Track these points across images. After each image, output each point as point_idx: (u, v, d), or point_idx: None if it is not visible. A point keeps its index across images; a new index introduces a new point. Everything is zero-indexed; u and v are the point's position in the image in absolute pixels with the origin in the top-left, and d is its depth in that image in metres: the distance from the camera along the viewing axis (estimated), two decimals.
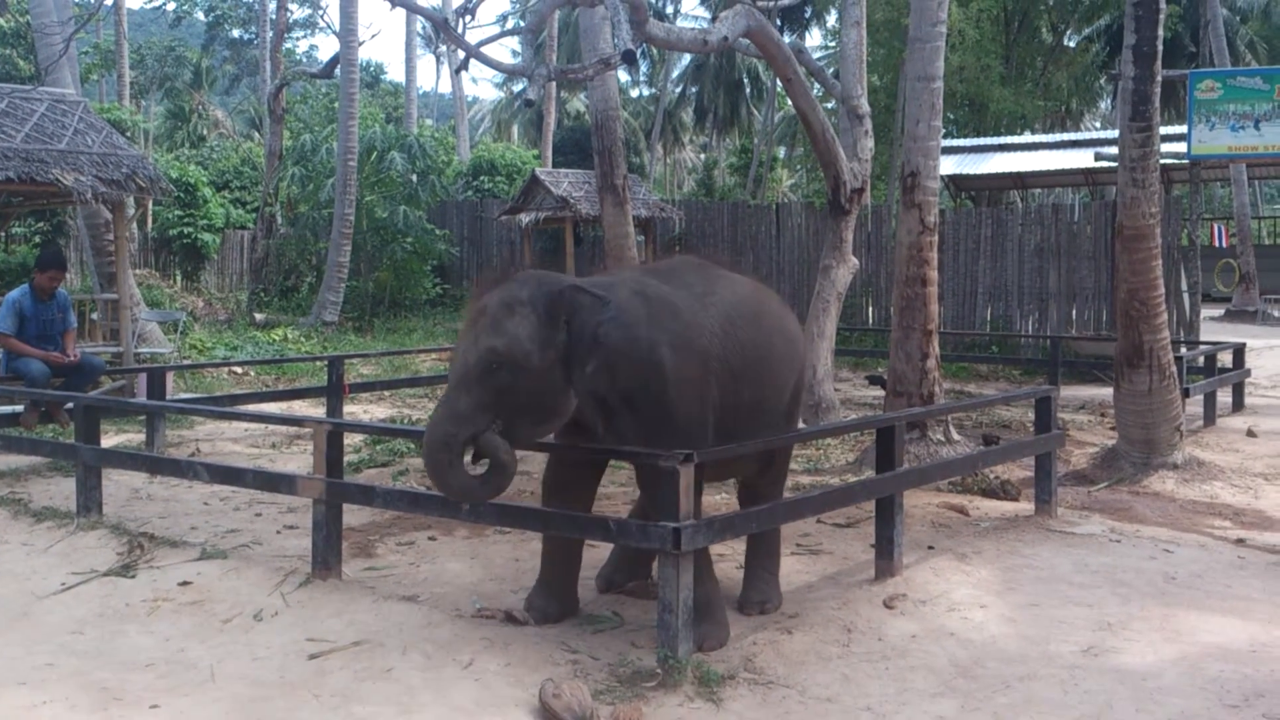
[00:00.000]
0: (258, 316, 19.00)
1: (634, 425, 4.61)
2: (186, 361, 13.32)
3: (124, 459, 7.47)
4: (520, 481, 8.05)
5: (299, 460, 8.61)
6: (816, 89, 11.60)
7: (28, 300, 9.20)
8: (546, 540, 5.09)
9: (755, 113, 45.55)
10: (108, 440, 8.59)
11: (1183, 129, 16.08)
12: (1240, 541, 6.68)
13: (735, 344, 4.85)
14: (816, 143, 9.85)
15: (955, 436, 8.85)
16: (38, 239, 19.31)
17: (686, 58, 43.20)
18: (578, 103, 43.63)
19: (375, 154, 20.29)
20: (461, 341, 4.56)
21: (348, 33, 19.29)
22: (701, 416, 4.73)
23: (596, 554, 5.73)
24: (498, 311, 4.45)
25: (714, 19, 10.28)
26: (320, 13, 46.16)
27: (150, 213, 22.54)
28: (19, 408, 9.09)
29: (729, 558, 5.82)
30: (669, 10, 42.80)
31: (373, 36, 48.59)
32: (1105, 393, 10.66)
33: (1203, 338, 14.89)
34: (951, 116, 29.97)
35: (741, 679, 4.42)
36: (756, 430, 5.01)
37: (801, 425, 9.86)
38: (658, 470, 4.49)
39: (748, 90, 45.69)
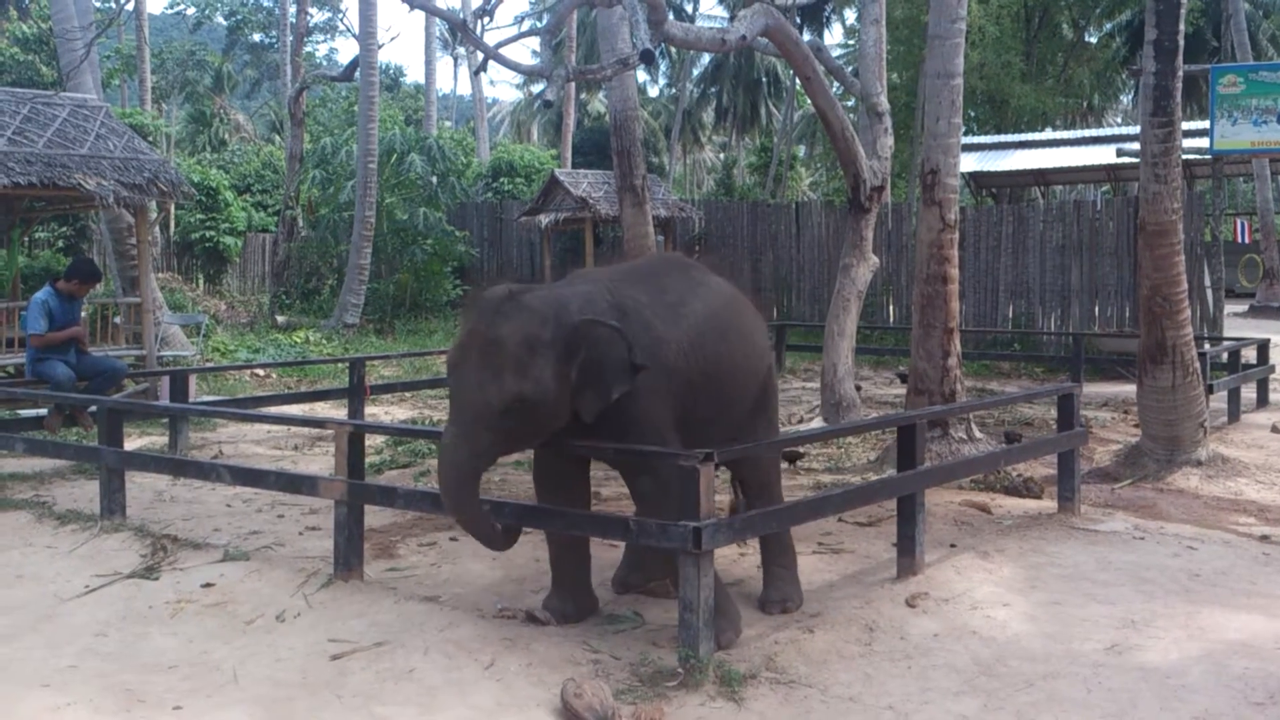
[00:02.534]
0: (279, 319, 19.08)
1: (606, 432, 4.70)
2: (209, 364, 13.40)
3: (147, 461, 7.51)
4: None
5: (321, 462, 8.64)
6: (836, 87, 11.55)
7: (54, 301, 9.35)
8: (551, 542, 5.11)
9: (775, 112, 45.47)
10: (131, 443, 8.64)
11: (1205, 124, 15.93)
12: (1265, 538, 6.63)
13: (700, 358, 4.89)
14: (836, 141, 9.82)
15: (977, 434, 8.81)
16: (61, 243, 19.47)
17: (706, 57, 43.15)
18: (598, 103, 43.66)
19: (395, 156, 20.34)
20: (473, 368, 4.45)
21: (367, 36, 19.36)
22: (663, 425, 4.80)
23: (612, 554, 5.73)
24: (520, 353, 4.42)
25: (732, 18, 10.26)
26: (340, 16, 46.43)
27: (172, 216, 22.70)
28: (43, 411, 9.17)
29: (749, 555, 5.81)
30: (688, 9, 42.76)
31: (392, 39, 48.80)
32: (1128, 390, 10.60)
33: (1226, 334, 14.77)
34: (972, 113, 29.86)
35: (763, 678, 4.41)
36: (712, 438, 4.95)
37: (822, 424, 9.87)
38: (661, 471, 4.60)
39: (767, 89, 45.59)
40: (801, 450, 8.81)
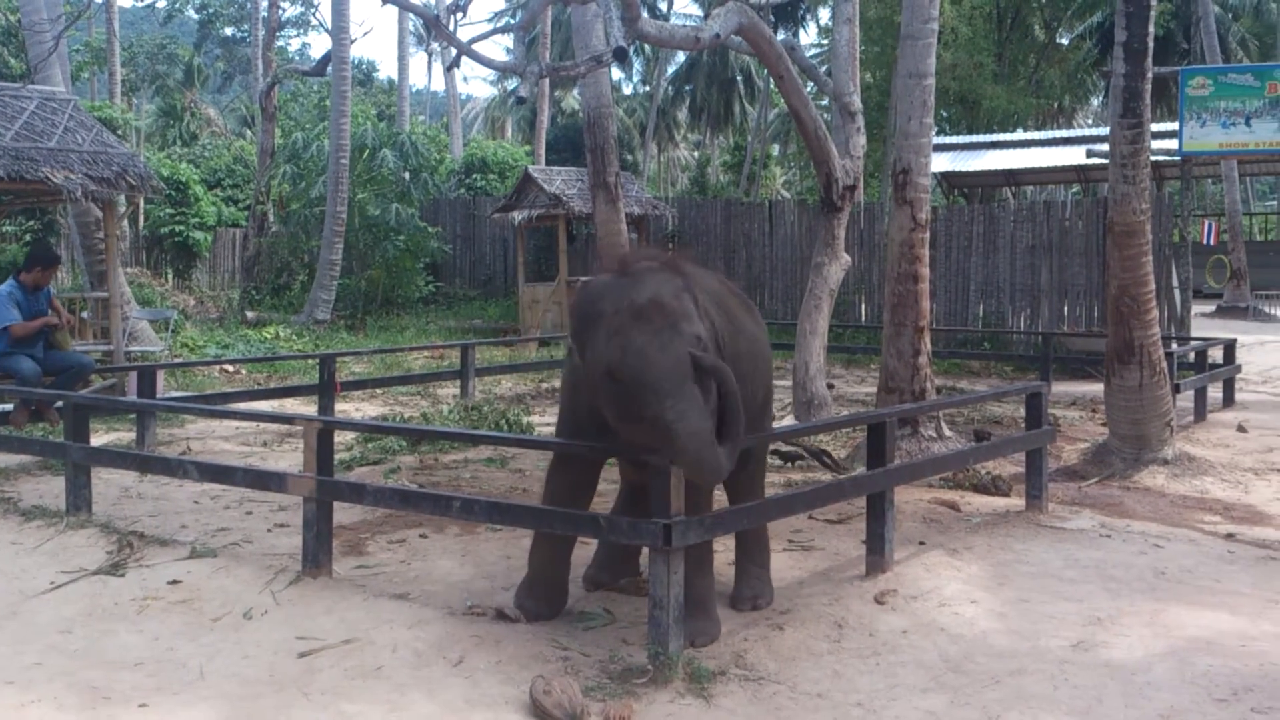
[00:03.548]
0: (249, 314, 18.97)
1: None
2: (177, 360, 13.29)
3: (114, 457, 7.44)
4: (513, 479, 8.06)
5: (290, 458, 8.59)
6: (809, 86, 11.60)
7: (19, 294, 9.31)
8: (537, 539, 5.08)
9: (749, 110, 45.59)
10: (97, 439, 8.56)
11: (1174, 126, 16.08)
12: (1230, 536, 6.70)
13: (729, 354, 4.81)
14: (809, 140, 9.84)
15: (947, 432, 8.85)
16: (28, 237, 19.30)
17: (680, 55, 43.22)
18: (572, 100, 43.59)
19: (367, 151, 20.25)
20: (648, 340, 4.18)
21: (340, 30, 19.27)
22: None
23: (584, 552, 5.72)
24: (680, 304, 4.33)
25: (707, 16, 10.27)
26: (312, 10, 46.14)
27: (142, 211, 22.52)
28: (9, 406, 9.09)
29: (720, 553, 5.81)
30: (662, 7, 42.76)
31: (365, 34, 48.59)
32: (1096, 389, 10.68)
33: (1194, 334, 14.90)
34: (944, 114, 30.04)
35: (732, 675, 4.42)
36: None
37: (794, 421, 9.89)
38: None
39: (741, 88, 45.70)
40: (802, 451, 8.72)
